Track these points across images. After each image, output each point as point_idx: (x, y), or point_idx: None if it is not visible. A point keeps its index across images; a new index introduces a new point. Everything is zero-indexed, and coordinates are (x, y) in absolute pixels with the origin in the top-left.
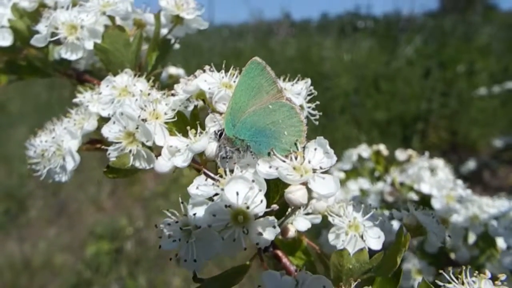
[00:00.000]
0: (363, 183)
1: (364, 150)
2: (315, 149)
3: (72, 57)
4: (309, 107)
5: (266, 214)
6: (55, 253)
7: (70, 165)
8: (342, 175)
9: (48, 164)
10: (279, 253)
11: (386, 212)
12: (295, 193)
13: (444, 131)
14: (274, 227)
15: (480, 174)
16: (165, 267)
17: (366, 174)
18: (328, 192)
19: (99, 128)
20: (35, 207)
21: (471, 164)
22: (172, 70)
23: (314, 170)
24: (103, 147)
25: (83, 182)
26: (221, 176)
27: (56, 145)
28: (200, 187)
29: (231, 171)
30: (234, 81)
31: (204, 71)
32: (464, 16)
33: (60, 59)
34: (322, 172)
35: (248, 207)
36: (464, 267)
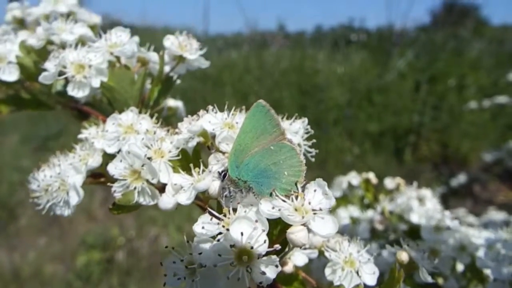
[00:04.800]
0: (353, 210)
1: (354, 178)
2: (315, 190)
3: (79, 94)
4: (305, 145)
5: (267, 253)
6: (45, 263)
7: (74, 200)
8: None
9: (52, 198)
10: (278, 285)
11: (380, 242)
12: (297, 234)
13: (435, 144)
14: (277, 266)
15: (470, 187)
16: (156, 277)
17: (356, 202)
18: (328, 233)
19: (102, 163)
20: (25, 216)
21: (461, 178)
22: (171, 102)
23: (314, 211)
24: (108, 184)
25: None
26: (224, 215)
27: (61, 180)
28: (205, 225)
29: (234, 210)
30: (237, 122)
31: (207, 111)
32: (456, 31)
33: (61, 91)
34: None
35: (252, 247)
36: None
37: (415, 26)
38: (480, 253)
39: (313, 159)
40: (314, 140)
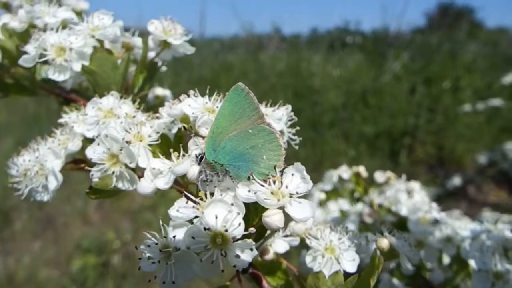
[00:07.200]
0: (343, 204)
1: (345, 172)
2: (293, 174)
3: (60, 78)
4: (289, 132)
5: (244, 236)
6: (39, 267)
7: (53, 184)
8: (323, 195)
9: (30, 183)
10: (259, 274)
11: (365, 234)
12: (272, 217)
13: (430, 146)
14: (252, 249)
15: (465, 189)
16: (152, 281)
17: (347, 195)
18: (304, 217)
19: (83, 148)
20: (20, 220)
21: (456, 180)
22: (159, 91)
23: (291, 195)
24: (86, 167)
25: (70, 195)
26: (201, 199)
27: (39, 164)
28: (180, 209)
29: (212, 194)
30: (217, 106)
31: (189, 95)
32: (450, 34)
33: (46, 78)
34: (299, 197)
35: (226, 230)
36: None
37: (410, 29)
38: (465, 244)
39: (296, 147)
40: (298, 128)
